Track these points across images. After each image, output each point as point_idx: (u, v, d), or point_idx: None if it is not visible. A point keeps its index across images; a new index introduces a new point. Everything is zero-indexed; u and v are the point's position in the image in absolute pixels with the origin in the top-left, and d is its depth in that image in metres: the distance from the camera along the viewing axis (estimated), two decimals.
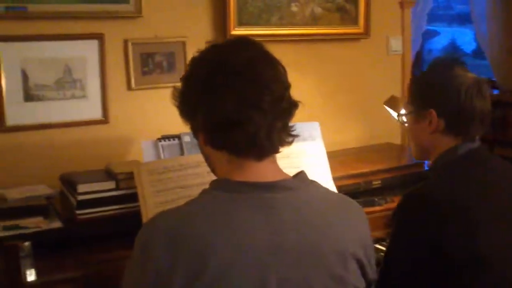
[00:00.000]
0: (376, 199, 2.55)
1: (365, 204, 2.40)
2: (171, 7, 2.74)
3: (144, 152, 2.21)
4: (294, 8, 3.00)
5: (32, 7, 2.49)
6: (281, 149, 1.48)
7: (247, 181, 1.41)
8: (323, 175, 2.38)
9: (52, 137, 2.60)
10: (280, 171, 1.48)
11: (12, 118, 2.53)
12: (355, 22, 3.15)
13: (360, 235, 1.46)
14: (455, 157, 1.81)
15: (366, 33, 3.19)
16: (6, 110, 2.51)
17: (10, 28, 2.47)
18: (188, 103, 1.48)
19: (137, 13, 2.66)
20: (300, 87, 2.92)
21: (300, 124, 2.37)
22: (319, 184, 1.51)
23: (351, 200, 1.54)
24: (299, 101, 1.49)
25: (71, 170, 2.38)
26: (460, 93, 1.78)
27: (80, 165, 2.45)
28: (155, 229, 1.35)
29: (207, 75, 1.44)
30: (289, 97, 1.47)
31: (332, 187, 2.37)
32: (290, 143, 1.47)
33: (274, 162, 1.48)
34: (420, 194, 1.77)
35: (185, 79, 1.50)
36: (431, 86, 1.84)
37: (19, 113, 2.54)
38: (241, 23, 2.87)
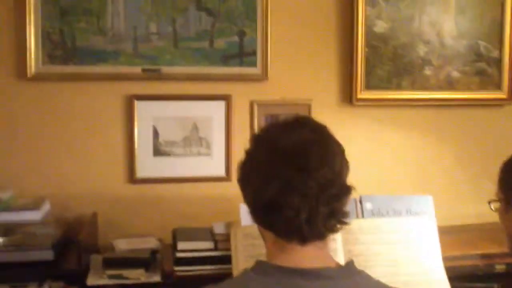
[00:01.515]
0: (495, 286, 2.32)
1: None
2: (297, 70, 2.78)
3: (242, 214, 2.25)
4: (427, 71, 2.89)
5: (165, 69, 2.68)
6: (331, 235, 1.44)
7: (283, 266, 1.39)
8: (430, 254, 2.24)
9: (176, 190, 2.74)
10: (326, 258, 1.44)
11: (142, 171, 2.72)
12: (497, 86, 2.95)
13: None
14: None
15: (511, 98, 2.97)
16: (136, 164, 2.71)
17: (145, 88, 2.68)
18: (242, 177, 1.51)
19: (264, 76, 2.74)
20: (428, 155, 2.88)
21: (411, 197, 2.31)
22: (368, 276, 1.44)
23: None
24: (352, 187, 1.44)
25: (187, 224, 2.50)
26: None
27: (199, 220, 2.56)
28: None
29: (258, 154, 1.46)
30: (341, 182, 1.43)
31: (441, 268, 2.22)
32: (338, 229, 1.43)
33: (322, 247, 1.45)
34: None
35: (245, 154, 1.53)
36: None
37: (148, 166, 2.73)
38: (368, 87, 2.83)
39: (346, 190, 1.44)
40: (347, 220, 1.45)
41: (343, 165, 1.45)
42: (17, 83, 2.58)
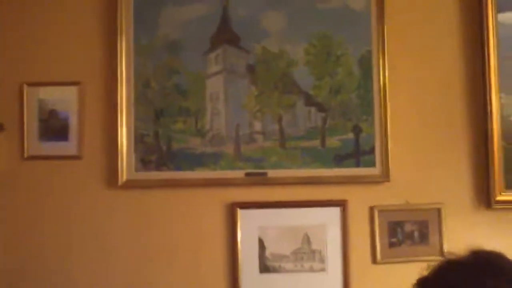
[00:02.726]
0: None
1: None
2: (422, 169, 2.44)
3: None
4: None
5: (271, 173, 2.38)
6: None
7: None
8: None
9: None
10: None
11: None
12: None
13: None
14: None
15: None
16: (241, 282, 2.35)
17: (248, 194, 2.38)
18: None
19: (385, 177, 2.40)
20: None
21: None
22: None
23: None
24: None
25: None
26: None
27: None
28: None
29: None
30: None
31: None
32: None
33: None
34: None
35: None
36: None
37: (254, 285, 2.36)
38: (509, 186, 2.40)
39: None
40: None
41: None
42: (107, 192, 2.35)
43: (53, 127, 2.35)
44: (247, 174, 2.37)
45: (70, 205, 2.33)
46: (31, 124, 2.35)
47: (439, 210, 2.41)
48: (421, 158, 2.45)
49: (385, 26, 2.42)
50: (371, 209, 2.41)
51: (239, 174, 2.36)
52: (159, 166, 2.35)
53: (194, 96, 2.39)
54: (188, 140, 2.37)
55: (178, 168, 2.35)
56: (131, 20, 2.38)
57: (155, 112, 2.37)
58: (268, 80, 2.41)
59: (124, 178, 2.32)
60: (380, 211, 2.40)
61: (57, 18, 2.41)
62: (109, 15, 2.39)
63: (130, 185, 2.33)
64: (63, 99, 2.37)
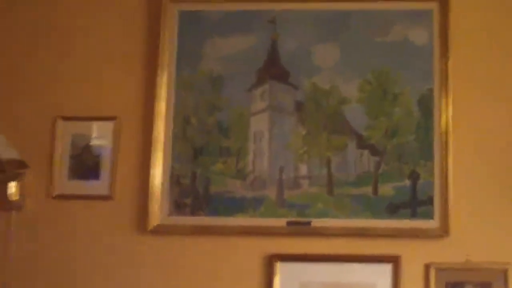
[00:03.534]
0: None
1: None
2: (488, 224, 2.24)
3: None
4: None
5: (316, 222, 2.25)
6: None
7: None
8: None
9: None
10: None
11: None
12: None
13: None
14: None
15: None
16: None
17: (290, 245, 2.25)
18: None
19: (443, 232, 2.22)
20: None
21: None
22: None
23: None
24: None
25: None
26: None
27: None
28: None
29: None
30: None
31: None
32: None
33: None
34: None
35: None
36: None
37: None
38: None
39: None
40: None
41: None
42: (136, 237, 2.26)
43: (85, 163, 2.28)
44: (289, 223, 2.23)
45: (96, 249, 2.26)
46: (62, 160, 2.29)
47: (505, 271, 2.20)
48: (486, 211, 2.25)
49: (449, 62, 2.29)
50: (427, 267, 2.21)
51: (280, 222, 2.23)
52: (194, 211, 2.25)
53: (236, 135, 2.29)
54: (228, 183, 2.26)
55: (215, 213, 2.25)
56: (174, 52, 2.33)
57: (193, 151, 2.28)
58: (317, 119, 2.30)
59: (155, 222, 2.23)
60: (437, 270, 2.21)
61: (96, 48, 2.37)
62: (151, 46, 2.33)
63: (161, 230, 2.24)
64: (98, 135, 2.30)
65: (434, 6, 2.29)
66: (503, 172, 2.26)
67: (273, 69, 2.30)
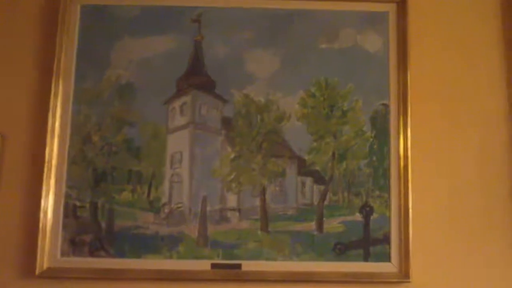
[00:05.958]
0: None
1: None
2: (455, 268, 1.98)
3: None
4: None
5: (248, 265, 1.94)
6: None
7: None
8: None
9: None
10: None
11: None
12: None
13: None
14: None
15: None
16: None
17: None
18: None
19: (403, 277, 1.94)
20: None
21: None
22: None
23: None
24: None
25: None
26: None
27: None
28: None
29: None
30: None
31: None
32: None
33: None
34: None
35: None
36: None
37: None
38: None
39: None
40: None
41: None
42: (21, 284, 1.91)
43: None
44: (214, 266, 1.95)
45: None
46: None
47: None
48: (453, 250, 2.01)
49: (408, 73, 2.03)
50: None
51: (203, 265, 1.94)
52: (94, 251, 1.96)
53: (149, 157, 2.00)
54: (137, 216, 1.97)
55: (121, 254, 1.95)
56: (73, 55, 2.02)
57: (94, 176, 1.96)
58: (249, 139, 2.03)
59: (45, 265, 1.93)
60: None
61: None
62: (45, 49, 2.00)
63: (52, 274, 1.91)
64: None
65: (390, 8, 2.04)
66: (470, 202, 2.00)
67: (196, 78, 2.03)
